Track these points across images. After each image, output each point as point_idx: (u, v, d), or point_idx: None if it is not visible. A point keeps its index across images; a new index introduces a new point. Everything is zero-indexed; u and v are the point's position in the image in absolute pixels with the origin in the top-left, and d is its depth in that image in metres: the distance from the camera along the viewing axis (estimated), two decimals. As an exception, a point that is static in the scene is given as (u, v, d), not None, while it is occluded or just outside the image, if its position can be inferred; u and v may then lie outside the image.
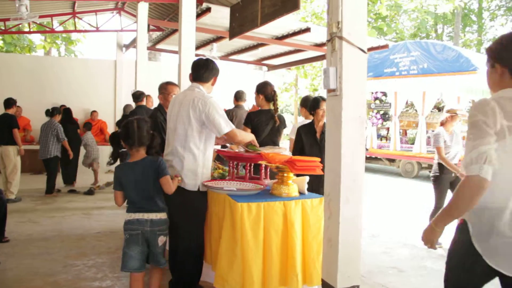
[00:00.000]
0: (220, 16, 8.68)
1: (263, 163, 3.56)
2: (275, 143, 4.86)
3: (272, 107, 5.00)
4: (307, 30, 9.73)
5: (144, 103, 7.59)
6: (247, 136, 3.71)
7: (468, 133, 1.96)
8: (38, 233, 5.89)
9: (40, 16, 10.85)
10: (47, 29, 14.62)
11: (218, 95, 3.86)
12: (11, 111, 7.97)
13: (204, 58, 3.73)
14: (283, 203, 3.18)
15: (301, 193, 3.40)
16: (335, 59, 2.72)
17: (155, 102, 8.21)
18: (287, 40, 10.65)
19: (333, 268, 2.93)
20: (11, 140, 7.80)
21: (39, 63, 13.27)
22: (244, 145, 3.74)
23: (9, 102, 8.04)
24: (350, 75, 2.70)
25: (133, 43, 12.62)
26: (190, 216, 3.49)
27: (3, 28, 13.37)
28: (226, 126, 3.37)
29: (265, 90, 4.98)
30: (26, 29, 14.07)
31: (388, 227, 6.78)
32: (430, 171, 13.50)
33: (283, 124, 5.13)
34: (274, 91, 5.02)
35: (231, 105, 7.34)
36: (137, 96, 7.59)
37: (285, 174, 3.34)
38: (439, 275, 2.38)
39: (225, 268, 3.09)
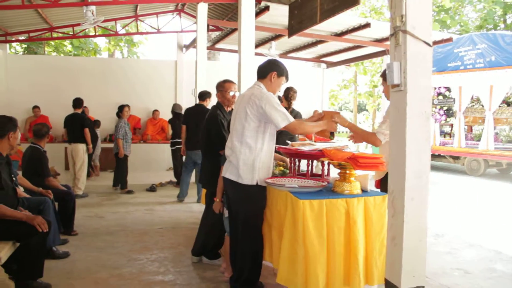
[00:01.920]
0: (279, 14, 8.69)
1: (325, 160, 3.53)
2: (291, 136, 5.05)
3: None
4: (367, 25, 9.57)
5: (205, 103, 7.61)
6: (311, 127, 3.60)
7: None
8: (104, 227, 6.13)
9: (105, 20, 11.24)
10: (111, 32, 15.15)
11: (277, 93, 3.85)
12: (79, 111, 8.33)
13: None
14: (346, 200, 3.15)
15: (363, 190, 3.36)
16: (399, 54, 2.65)
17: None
18: (347, 36, 10.53)
19: (397, 268, 2.86)
20: (81, 138, 8.18)
21: (104, 65, 13.80)
22: (321, 135, 3.73)
23: (78, 102, 8.42)
24: (414, 70, 2.63)
25: (193, 44, 12.85)
26: (248, 211, 3.52)
27: (71, 33, 13.99)
28: (283, 120, 3.35)
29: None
30: (92, 33, 14.64)
31: (453, 227, 6.54)
32: (498, 169, 12.97)
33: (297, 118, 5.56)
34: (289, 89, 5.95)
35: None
36: (200, 95, 7.70)
37: (348, 171, 3.30)
38: (512, 279, 2.28)
39: (288, 265, 3.10)
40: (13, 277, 3.79)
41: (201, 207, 5.82)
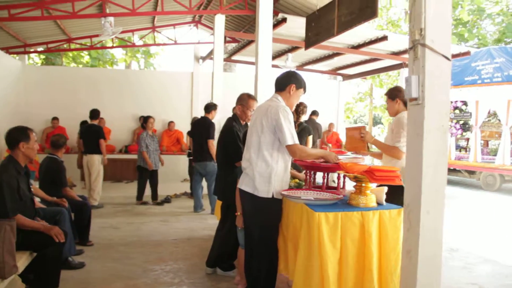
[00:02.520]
0: (296, 26, 8.72)
1: (341, 172, 3.53)
2: None
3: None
4: (384, 38, 9.55)
5: (210, 115, 7.68)
6: (310, 155, 3.57)
7: None
8: (119, 238, 6.17)
9: (122, 32, 11.41)
10: (129, 43, 15.35)
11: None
12: (96, 122, 8.42)
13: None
14: (361, 213, 3.13)
15: (379, 203, 3.34)
16: (418, 67, 2.65)
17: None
18: (363, 49, 10.51)
19: (412, 282, 2.83)
20: (97, 149, 8.24)
21: (121, 76, 13.94)
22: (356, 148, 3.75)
23: (94, 114, 8.50)
24: (433, 84, 2.62)
25: (209, 55, 12.95)
26: (263, 223, 3.52)
27: (89, 44, 14.19)
28: (290, 139, 3.36)
29: None
30: (110, 44, 14.84)
31: (468, 242, 6.46)
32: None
33: (304, 131, 5.82)
34: (300, 104, 5.94)
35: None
36: (206, 107, 7.77)
37: (363, 184, 3.29)
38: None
39: (304, 277, 3.09)
40: (30, 287, 3.84)
41: (215, 219, 5.83)
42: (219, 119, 8.42)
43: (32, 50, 13.80)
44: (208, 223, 7.11)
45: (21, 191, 3.86)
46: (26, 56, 13.53)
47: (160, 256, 5.33)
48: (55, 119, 12.17)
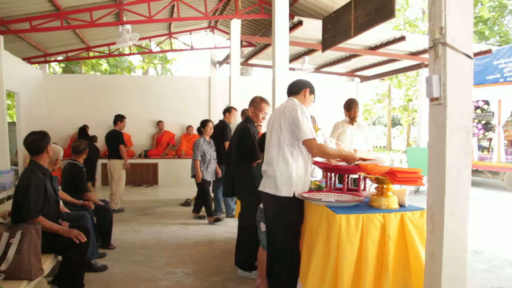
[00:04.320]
0: (312, 29, 8.71)
1: (362, 174, 3.50)
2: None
3: None
4: (402, 38, 9.48)
5: (226, 118, 7.91)
6: (329, 154, 3.52)
7: None
8: (140, 241, 6.22)
9: (139, 39, 11.53)
10: (146, 50, 15.48)
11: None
12: (117, 127, 8.49)
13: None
14: (383, 215, 3.11)
15: (401, 205, 3.30)
16: (438, 67, 2.61)
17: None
18: (381, 50, 10.45)
19: (436, 285, 2.78)
20: (118, 154, 8.32)
21: (139, 82, 14.08)
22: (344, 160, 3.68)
23: (115, 119, 8.57)
24: (454, 83, 2.58)
25: (226, 60, 12.99)
26: (285, 223, 3.52)
27: (107, 51, 14.36)
28: (308, 133, 3.36)
29: None
30: (127, 51, 15.00)
31: (493, 244, 6.34)
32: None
33: None
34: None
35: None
36: (224, 111, 8.00)
37: (385, 186, 3.26)
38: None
39: (317, 279, 3.08)
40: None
41: (235, 221, 5.83)
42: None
43: (52, 59, 14.01)
44: (228, 226, 7.13)
45: (48, 193, 3.95)
46: (47, 65, 13.76)
47: (181, 259, 5.35)
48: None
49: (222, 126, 7.81)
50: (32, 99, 11.81)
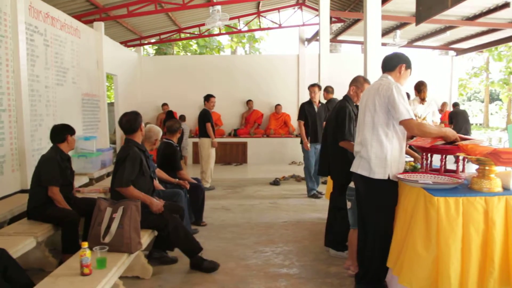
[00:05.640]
0: (404, 1, 8.37)
1: (461, 155, 3.30)
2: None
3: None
4: (505, 5, 8.74)
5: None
6: (430, 132, 3.33)
7: None
8: (230, 219, 6.36)
9: (229, 19, 11.70)
10: (234, 30, 15.65)
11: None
12: (206, 106, 8.69)
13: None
14: (484, 199, 2.90)
15: (505, 188, 3.08)
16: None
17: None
18: (480, 20, 9.76)
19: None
20: (206, 133, 8.53)
21: (228, 62, 14.32)
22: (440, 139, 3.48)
23: (204, 98, 8.78)
24: None
25: (315, 37, 12.83)
26: (379, 207, 3.44)
27: (197, 33, 14.71)
28: (405, 113, 3.21)
29: None
30: (216, 32, 15.26)
31: None
32: None
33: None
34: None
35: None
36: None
37: (487, 167, 3.05)
38: None
39: (415, 266, 2.95)
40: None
41: (325, 202, 5.79)
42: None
43: (146, 42, 14.62)
44: (317, 205, 7.08)
45: (143, 167, 4.17)
46: (142, 48, 14.39)
47: (271, 238, 5.41)
48: (164, 105, 12.83)
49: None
50: (128, 81, 12.46)
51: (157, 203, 4.15)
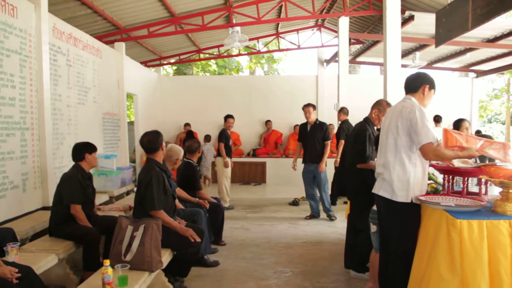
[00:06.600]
0: (424, 23, 8.37)
1: (484, 177, 3.27)
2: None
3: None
4: (526, 28, 8.73)
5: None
6: (448, 155, 3.28)
7: None
8: (250, 239, 6.36)
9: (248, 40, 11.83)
10: (254, 50, 15.80)
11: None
12: (224, 126, 8.78)
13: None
14: (509, 222, 2.86)
15: (530, 211, 3.03)
16: None
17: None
18: (501, 42, 9.70)
19: None
20: (219, 153, 8.64)
21: (247, 82, 14.47)
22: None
23: (224, 118, 8.87)
24: None
25: (334, 58, 12.87)
26: (401, 230, 3.39)
27: (216, 53, 14.89)
28: (425, 138, 3.17)
29: None
30: (235, 52, 15.41)
31: None
32: None
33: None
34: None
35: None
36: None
37: (511, 190, 3.02)
38: None
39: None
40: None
41: (344, 223, 5.76)
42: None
43: (166, 62, 14.84)
44: (337, 227, 7.04)
45: (166, 186, 4.20)
46: (161, 68, 14.60)
47: (290, 258, 5.39)
48: (187, 125, 12.93)
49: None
50: (148, 100, 12.63)
51: (185, 229, 4.16)
